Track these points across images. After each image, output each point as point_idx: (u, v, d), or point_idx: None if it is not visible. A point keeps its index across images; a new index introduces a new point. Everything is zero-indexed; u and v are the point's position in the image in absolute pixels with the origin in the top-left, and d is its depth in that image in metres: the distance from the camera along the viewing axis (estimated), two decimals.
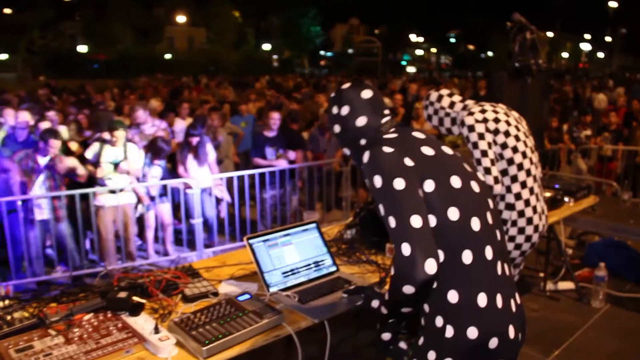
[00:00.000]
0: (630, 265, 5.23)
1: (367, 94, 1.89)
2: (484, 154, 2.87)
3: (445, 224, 1.59)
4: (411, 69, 49.69)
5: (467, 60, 52.56)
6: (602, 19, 51.80)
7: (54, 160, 5.36)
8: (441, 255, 1.59)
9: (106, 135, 5.79)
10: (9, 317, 2.13)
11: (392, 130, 1.81)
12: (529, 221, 2.98)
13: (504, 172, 2.96)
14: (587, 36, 60.45)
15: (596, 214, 5.45)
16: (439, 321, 1.64)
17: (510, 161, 2.93)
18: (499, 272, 1.66)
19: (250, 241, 2.51)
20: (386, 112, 1.90)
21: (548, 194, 4.06)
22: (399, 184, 1.57)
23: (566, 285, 5.06)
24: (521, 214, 2.98)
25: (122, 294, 2.19)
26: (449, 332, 1.62)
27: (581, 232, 6.30)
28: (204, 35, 45.45)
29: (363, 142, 1.86)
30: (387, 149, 1.64)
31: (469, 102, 3.16)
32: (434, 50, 61.50)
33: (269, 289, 2.43)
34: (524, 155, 2.95)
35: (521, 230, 2.99)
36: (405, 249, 1.51)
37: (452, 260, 1.59)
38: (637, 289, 4.98)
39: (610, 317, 4.56)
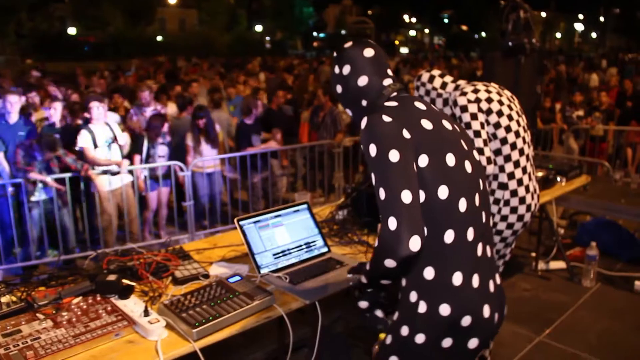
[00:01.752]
0: (621, 244, 5.25)
1: (369, 52, 1.83)
2: (477, 134, 2.86)
3: (434, 202, 1.57)
4: (404, 50, 49.42)
5: (461, 40, 52.29)
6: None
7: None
8: (425, 230, 1.57)
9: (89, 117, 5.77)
10: None
11: (394, 95, 1.76)
12: (522, 200, 2.97)
13: (497, 152, 2.95)
14: (581, 16, 60.30)
15: (588, 194, 5.46)
16: (413, 296, 1.65)
17: (504, 140, 2.91)
18: (479, 253, 1.66)
19: (241, 222, 2.49)
20: (389, 72, 1.85)
21: (540, 174, 4.05)
22: (394, 155, 1.54)
23: (558, 264, 5.08)
24: (514, 193, 2.97)
25: (112, 277, 2.17)
26: (422, 307, 1.62)
27: (573, 211, 6.31)
28: (195, 17, 45.00)
29: (364, 103, 1.82)
30: (386, 118, 1.60)
31: (461, 82, 3.13)
32: (427, 30, 61.20)
33: (260, 270, 2.42)
34: (517, 134, 2.93)
35: (514, 210, 2.98)
36: (392, 223, 1.49)
37: (434, 237, 1.59)
38: (628, 268, 5.00)
39: (601, 296, 4.59)
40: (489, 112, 2.88)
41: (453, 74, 11.74)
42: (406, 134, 1.57)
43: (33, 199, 5.32)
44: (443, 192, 1.57)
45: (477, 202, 1.66)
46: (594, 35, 60.74)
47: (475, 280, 1.63)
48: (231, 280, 2.26)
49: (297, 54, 39.19)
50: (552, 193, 4.16)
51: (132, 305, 2.07)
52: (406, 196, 1.50)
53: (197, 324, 1.92)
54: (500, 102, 2.92)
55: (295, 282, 2.35)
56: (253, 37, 45.15)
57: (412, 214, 1.50)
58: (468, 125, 2.87)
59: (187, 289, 2.26)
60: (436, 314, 1.60)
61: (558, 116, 9.38)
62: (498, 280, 1.76)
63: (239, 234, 2.48)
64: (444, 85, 3.15)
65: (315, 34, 53.29)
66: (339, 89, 1.88)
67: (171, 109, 7.67)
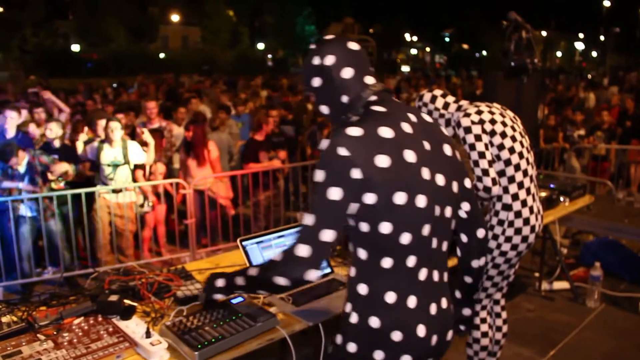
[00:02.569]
0: (625, 264, 5.23)
1: (354, 45, 1.76)
2: (482, 155, 2.85)
3: (375, 234, 1.60)
4: (405, 68, 49.67)
5: (462, 59, 52.57)
6: (595, 18, 51.94)
7: (33, 161, 5.32)
8: (363, 253, 1.64)
9: (102, 134, 5.74)
10: None
11: (373, 98, 1.70)
12: (526, 222, 2.96)
13: (501, 173, 2.94)
14: (581, 35, 60.64)
15: (591, 213, 5.45)
16: (348, 307, 1.70)
17: (508, 162, 2.91)
18: (422, 277, 1.66)
19: (244, 243, 2.48)
20: (372, 70, 1.78)
21: (544, 194, 4.05)
22: (335, 193, 1.54)
23: (561, 285, 5.05)
24: (518, 214, 2.95)
25: (113, 297, 2.15)
26: (354, 318, 1.67)
27: (575, 231, 6.29)
28: (198, 34, 45.24)
29: (345, 99, 1.72)
30: (341, 151, 1.54)
31: (463, 103, 3.13)
32: (428, 49, 61.53)
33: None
34: (521, 155, 2.93)
35: (518, 231, 2.96)
36: (304, 251, 1.56)
37: (371, 261, 1.63)
38: (632, 288, 4.97)
39: (606, 317, 4.55)
40: (492, 133, 2.87)
41: (456, 94, 11.78)
42: (356, 174, 1.54)
43: (20, 213, 5.30)
44: (386, 228, 1.58)
45: (425, 233, 1.64)
46: (594, 54, 61.00)
47: (412, 301, 1.65)
48: (233, 301, 2.24)
49: (299, 72, 39.34)
50: (556, 213, 4.15)
51: (134, 327, 2.05)
52: (327, 235, 1.56)
53: (199, 346, 1.90)
54: (504, 124, 2.91)
55: (298, 304, 2.33)
56: (255, 55, 45.38)
57: (326, 251, 1.59)
58: (472, 147, 2.86)
59: (189, 310, 2.24)
60: (366, 325, 1.65)
61: (559, 135, 9.39)
62: (444, 304, 1.74)
63: (241, 253, 2.47)
64: (446, 106, 3.15)
65: None
66: (316, 81, 1.76)
67: (176, 131, 7.66)
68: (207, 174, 6.29)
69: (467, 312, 2.04)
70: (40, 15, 36.02)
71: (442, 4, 52.99)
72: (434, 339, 1.70)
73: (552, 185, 4.37)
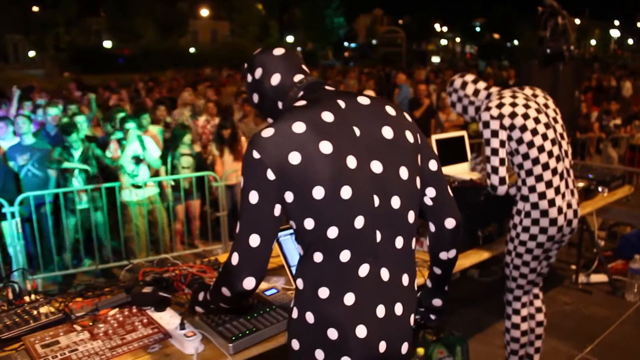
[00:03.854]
0: None
1: (279, 51, 1.76)
2: (494, 152, 2.83)
3: (302, 230, 1.56)
4: (436, 59, 49.17)
5: (493, 49, 51.79)
6: (632, 5, 50.60)
7: (86, 147, 5.48)
8: (299, 248, 1.61)
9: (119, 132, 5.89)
10: (35, 312, 2.12)
11: (300, 94, 1.67)
12: (544, 213, 2.88)
13: (519, 166, 2.90)
14: (617, 22, 59.17)
15: (629, 204, 5.30)
16: (292, 303, 1.66)
17: (525, 156, 2.86)
18: (362, 274, 1.56)
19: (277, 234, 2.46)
20: (304, 68, 1.76)
21: (581, 184, 3.94)
22: (253, 197, 1.51)
23: (599, 277, 4.93)
24: (535, 205, 2.90)
25: (147, 289, 2.16)
26: (295, 313, 1.63)
27: (612, 223, 6.14)
28: (227, 29, 45.56)
29: (280, 105, 1.72)
30: (255, 155, 1.51)
31: (493, 90, 3.06)
32: (458, 39, 60.80)
33: None
34: (541, 149, 2.84)
35: (535, 222, 2.91)
36: (235, 258, 1.54)
37: (305, 257, 1.59)
38: None
39: None
40: (511, 127, 2.83)
41: (488, 82, 11.59)
42: (270, 175, 1.50)
43: (75, 206, 5.42)
44: (309, 223, 1.53)
45: (358, 225, 1.54)
46: (630, 41, 59.52)
47: (349, 299, 1.55)
48: (267, 293, 2.23)
49: (328, 64, 39.34)
50: (594, 204, 4.03)
51: (168, 318, 2.06)
52: (254, 240, 1.52)
53: (233, 338, 1.90)
54: (525, 116, 2.82)
55: None
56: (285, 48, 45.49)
57: (255, 257, 1.54)
58: (487, 142, 2.85)
59: None
60: (303, 320, 1.59)
61: (595, 125, 9.18)
62: (398, 311, 1.62)
63: (275, 246, 2.45)
64: (476, 93, 3.09)
65: (346, 44, 53.42)
66: (255, 98, 1.78)
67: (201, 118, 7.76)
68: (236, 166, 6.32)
69: (437, 302, 1.93)
70: (73, 13, 36.75)
71: None
72: (382, 345, 1.59)
73: (590, 176, 4.25)
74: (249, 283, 1.54)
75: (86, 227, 5.58)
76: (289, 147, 1.50)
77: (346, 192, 1.52)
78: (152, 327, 2.01)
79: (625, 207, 5.28)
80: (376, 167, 1.57)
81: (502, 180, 2.85)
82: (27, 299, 2.26)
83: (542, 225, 2.91)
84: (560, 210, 2.89)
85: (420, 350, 3.28)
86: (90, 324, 2.04)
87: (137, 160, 5.61)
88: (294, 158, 1.50)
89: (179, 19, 41.87)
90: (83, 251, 5.61)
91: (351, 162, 1.54)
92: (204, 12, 45.59)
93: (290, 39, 47.04)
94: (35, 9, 36.12)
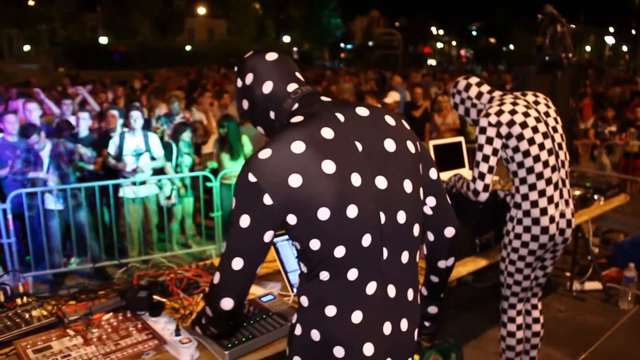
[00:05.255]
0: None
1: (271, 56, 1.67)
2: (485, 158, 2.83)
3: (308, 250, 1.51)
4: (432, 62, 49.26)
5: (488, 53, 51.91)
6: (626, 11, 50.84)
7: (57, 148, 5.38)
8: (302, 266, 1.57)
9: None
10: (27, 315, 2.09)
11: (295, 107, 1.60)
12: (535, 221, 2.88)
13: (514, 174, 2.91)
14: (611, 29, 59.44)
15: (623, 212, 5.30)
16: (294, 319, 1.63)
17: (520, 164, 2.86)
18: (370, 292, 1.53)
19: (274, 240, 2.43)
20: (298, 76, 1.68)
21: (578, 192, 3.94)
22: (244, 221, 1.47)
23: (593, 285, 4.93)
24: (526, 213, 2.90)
25: (142, 294, 2.13)
26: (298, 330, 1.59)
27: (605, 229, 6.15)
28: (224, 27, 45.51)
29: (272, 114, 1.65)
30: (251, 178, 1.46)
31: (496, 94, 3.04)
32: (454, 43, 60.95)
33: (294, 289, 2.36)
34: (536, 158, 2.83)
35: (527, 229, 2.91)
36: (216, 278, 1.54)
37: (309, 275, 1.55)
38: None
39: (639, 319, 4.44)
40: (508, 136, 2.82)
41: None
42: (267, 199, 1.45)
43: (48, 207, 5.35)
44: (315, 244, 1.49)
45: (365, 243, 1.51)
46: (624, 48, 59.74)
47: (357, 317, 1.52)
48: (264, 299, 2.21)
49: (325, 65, 39.34)
50: (590, 213, 4.03)
51: (163, 324, 2.03)
52: (237, 263, 1.50)
53: (229, 345, 1.87)
54: (524, 125, 2.81)
55: None
56: (281, 48, 45.42)
57: (236, 280, 1.52)
58: (480, 147, 2.85)
59: None
60: (308, 338, 1.56)
61: (590, 132, 9.19)
62: (404, 326, 1.60)
63: (270, 251, 2.43)
64: (479, 95, 3.07)
65: (342, 45, 53.44)
66: (245, 104, 1.70)
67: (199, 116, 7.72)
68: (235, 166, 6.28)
69: (432, 309, 1.91)
70: (69, 8, 36.59)
71: None
72: None
73: (586, 184, 4.25)
74: (226, 303, 1.53)
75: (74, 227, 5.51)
76: (289, 170, 1.45)
77: (352, 211, 1.48)
78: (147, 332, 1.98)
79: (619, 214, 5.28)
80: (381, 182, 1.53)
81: (485, 187, 2.84)
82: (19, 301, 2.22)
83: (534, 232, 2.90)
84: (552, 219, 2.89)
85: (416, 357, 3.26)
86: (84, 328, 2.01)
87: (138, 156, 5.61)
88: (295, 180, 1.44)
89: (175, 16, 41.81)
90: (75, 250, 5.56)
91: (355, 179, 1.49)
92: (201, 10, 45.53)
93: (286, 39, 47.04)
94: (31, 3, 35.94)
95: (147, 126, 6.56)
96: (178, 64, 26.52)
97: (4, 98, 7.40)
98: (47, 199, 5.34)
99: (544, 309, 3.39)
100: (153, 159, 5.81)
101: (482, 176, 2.83)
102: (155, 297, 2.15)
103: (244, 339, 1.91)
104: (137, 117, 5.74)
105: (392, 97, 8.26)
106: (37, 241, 5.37)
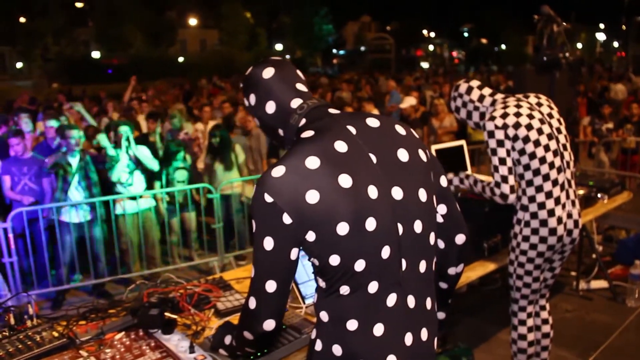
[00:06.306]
0: None
1: (268, 72, 1.64)
2: (502, 161, 2.84)
3: (327, 266, 1.49)
4: (425, 64, 49.38)
5: (481, 54, 52.11)
6: (616, 8, 51.12)
7: (83, 154, 5.39)
8: (321, 282, 1.55)
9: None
10: (38, 338, 2.06)
11: (302, 123, 1.57)
12: (543, 223, 2.88)
13: (520, 177, 2.91)
14: (602, 26, 59.74)
15: (624, 209, 5.30)
16: (313, 333, 1.61)
17: (527, 167, 2.87)
18: (390, 304, 1.52)
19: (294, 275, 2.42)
20: (299, 87, 1.65)
21: (581, 192, 3.93)
22: (268, 243, 1.46)
23: (599, 284, 4.92)
24: (534, 215, 2.90)
25: (154, 311, 2.10)
26: (319, 345, 1.57)
27: (607, 226, 6.15)
28: (216, 37, 45.49)
29: (281, 132, 1.64)
30: (267, 199, 1.44)
31: (498, 97, 3.04)
32: (446, 45, 61.15)
33: (305, 301, 2.34)
34: (542, 160, 2.84)
35: (535, 231, 2.90)
36: (252, 303, 1.53)
37: (329, 290, 1.53)
38: None
39: None
40: (515, 138, 2.83)
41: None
42: (287, 219, 1.44)
43: (63, 219, 5.33)
44: (334, 260, 1.47)
45: (385, 255, 1.49)
46: (615, 44, 60.01)
47: (378, 330, 1.51)
48: None
49: (318, 72, 39.37)
50: (594, 212, 4.02)
51: (176, 341, 2.01)
52: (270, 286, 1.49)
53: None
54: (529, 127, 2.81)
55: None
56: (273, 56, 45.50)
57: (273, 301, 1.52)
58: (494, 152, 2.86)
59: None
60: (329, 353, 1.54)
61: (588, 129, 9.21)
62: (424, 336, 1.59)
63: None
64: (481, 98, 3.07)
65: (334, 51, 53.57)
66: (257, 122, 1.72)
67: (201, 129, 7.70)
68: (232, 178, 6.26)
69: (440, 315, 1.89)
70: (61, 23, 36.54)
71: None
72: None
73: (590, 183, 4.25)
74: (268, 325, 1.53)
75: (80, 242, 5.48)
76: (305, 186, 1.43)
77: (371, 224, 1.46)
78: (161, 350, 1.96)
79: (620, 211, 5.28)
80: (397, 193, 1.52)
81: (512, 189, 2.86)
82: (29, 323, 2.19)
83: (542, 234, 2.90)
84: (559, 220, 2.88)
85: None
86: (97, 349, 1.98)
87: (137, 162, 5.58)
88: (312, 197, 1.42)
89: (167, 28, 41.78)
90: (78, 267, 5.53)
91: (372, 192, 1.48)
92: (192, 21, 45.57)
93: (279, 46, 47.08)
94: (22, 19, 35.91)
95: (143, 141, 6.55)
96: (170, 76, 26.52)
97: (3, 118, 7.33)
98: (63, 209, 5.32)
99: (551, 309, 3.37)
100: (145, 170, 5.77)
101: (505, 179, 2.84)
102: (167, 314, 2.12)
103: (259, 354, 1.89)
104: (125, 133, 5.66)
105: (408, 102, 8.28)
106: (40, 258, 5.34)
